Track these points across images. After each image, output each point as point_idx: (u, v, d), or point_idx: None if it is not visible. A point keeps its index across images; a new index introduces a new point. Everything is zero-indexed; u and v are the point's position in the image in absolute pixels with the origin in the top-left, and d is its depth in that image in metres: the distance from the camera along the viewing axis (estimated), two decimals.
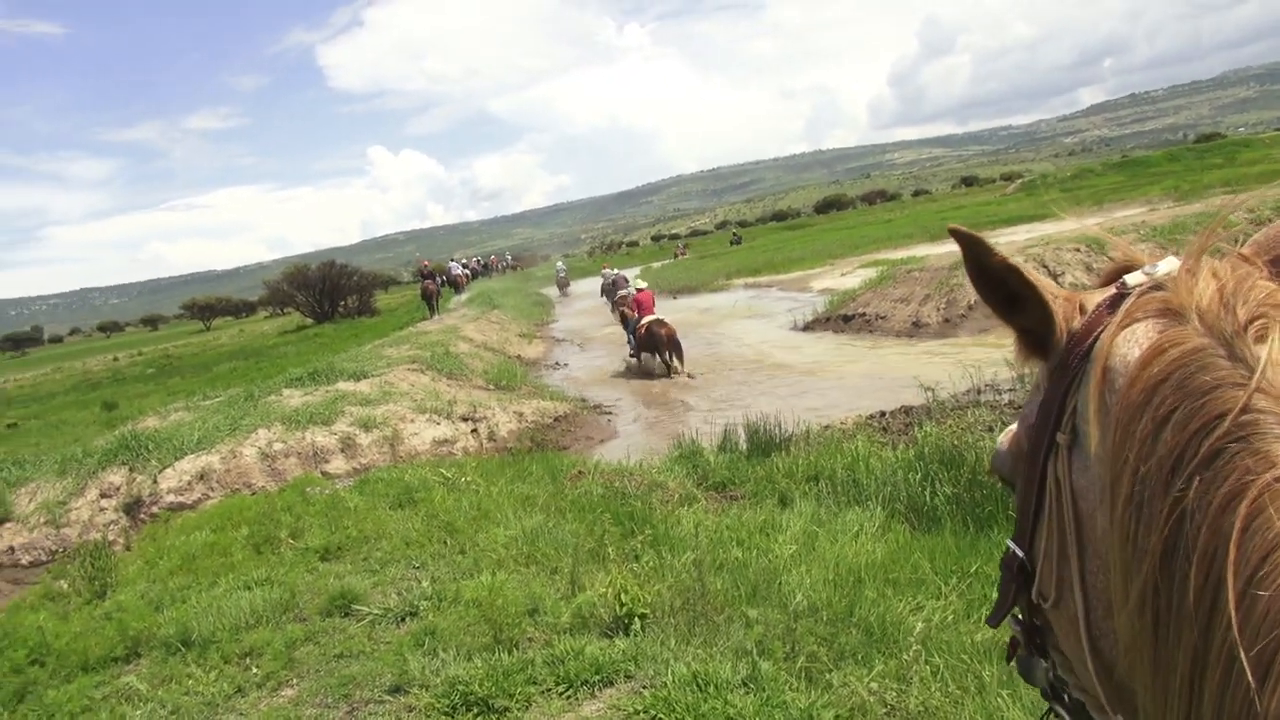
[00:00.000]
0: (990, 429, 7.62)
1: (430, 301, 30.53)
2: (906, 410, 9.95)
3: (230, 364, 27.88)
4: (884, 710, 3.74)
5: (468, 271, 48.46)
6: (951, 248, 0.94)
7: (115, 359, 45.07)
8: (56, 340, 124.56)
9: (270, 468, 10.44)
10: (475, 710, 4.06)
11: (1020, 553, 0.97)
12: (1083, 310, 0.93)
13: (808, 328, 19.16)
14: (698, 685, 3.90)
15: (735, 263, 39.57)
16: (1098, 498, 0.84)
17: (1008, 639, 1.08)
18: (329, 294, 42.25)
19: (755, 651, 4.23)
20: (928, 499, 6.48)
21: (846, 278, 24.62)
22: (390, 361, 15.78)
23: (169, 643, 5.46)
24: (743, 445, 9.13)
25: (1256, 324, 0.76)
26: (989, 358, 10.89)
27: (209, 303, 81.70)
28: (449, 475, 8.72)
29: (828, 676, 4.02)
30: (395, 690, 4.43)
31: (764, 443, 8.85)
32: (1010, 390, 9.99)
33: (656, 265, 50.58)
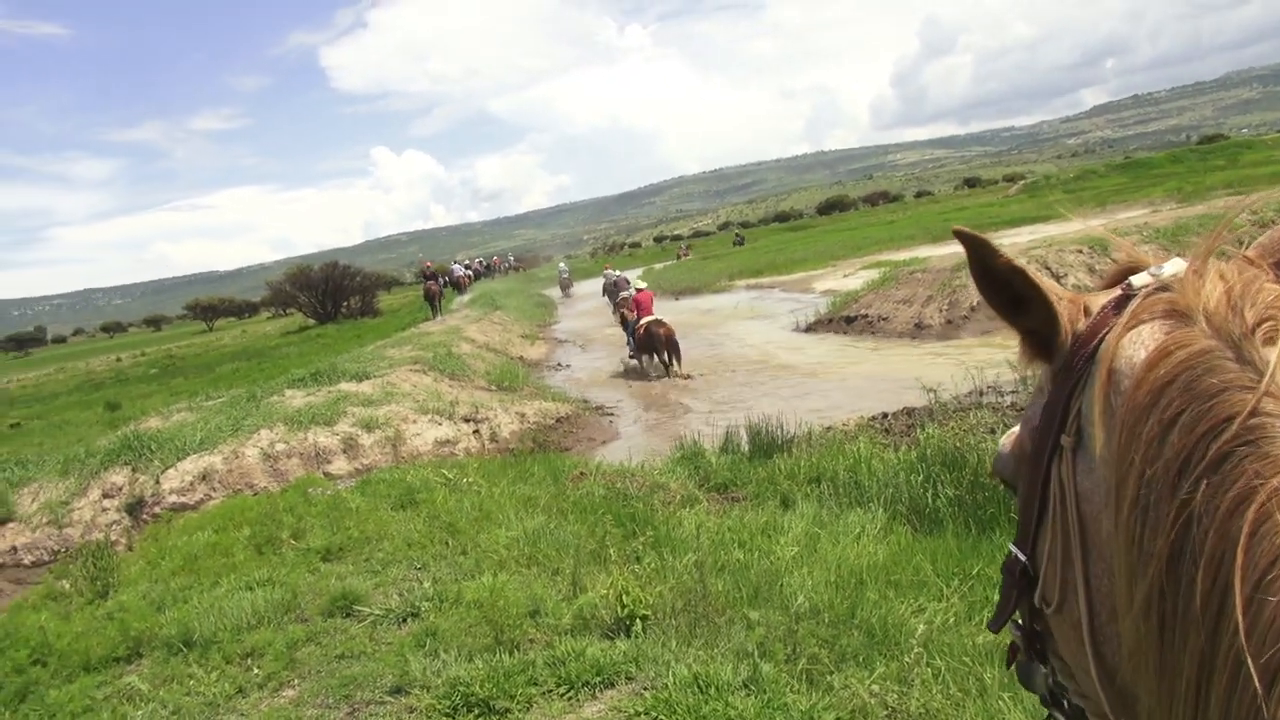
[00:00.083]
0: (992, 431, 7.61)
1: (433, 302, 30.57)
2: (909, 412, 9.94)
3: (233, 364, 27.91)
4: (885, 712, 3.73)
5: (470, 273, 48.52)
6: (954, 249, 0.93)
7: (118, 359, 45.15)
8: (60, 340, 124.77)
9: (272, 468, 10.45)
10: (476, 711, 4.06)
11: (1022, 557, 0.96)
12: (1087, 312, 0.92)
13: (810, 329, 19.15)
14: (699, 687, 3.90)
15: (737, 264, 39.56)
16: (1103, 501, 0.83)
17: (1008, 643, 1.07)
18: (332, 295, 42.29)
19: (756, 653, 4.22)
20: (930, 501, 6.47)
21: (849, 279, 24.60)
22: (392, 362, 15.79)
23: (171, 643, 5.46)
24: (744, 447, 9.12)
25: (1265, 326, 0.76)
26: (991, 359, 10.88)
27: (212, 303, 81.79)
28: (451, 476, 8.72)
29: (829, 678, 4.01)
30: (396, 691, 4.42)
31: (766, 444, 8.84)
32: (1013, 392, 9.97)
33: (659, 266, 50.58)
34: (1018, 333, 0.96)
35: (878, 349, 16.04)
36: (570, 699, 4.10)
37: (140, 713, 4.69)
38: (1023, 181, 69.40)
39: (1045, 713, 1.03)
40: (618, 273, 31.19)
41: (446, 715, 4.08)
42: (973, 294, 14.32)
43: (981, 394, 10.19)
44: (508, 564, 6.03)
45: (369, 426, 11.34)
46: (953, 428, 7.64)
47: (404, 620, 5.38)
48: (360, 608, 5.60)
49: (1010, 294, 0.93)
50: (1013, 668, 1.07)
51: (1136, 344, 0.82)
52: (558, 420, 12.66)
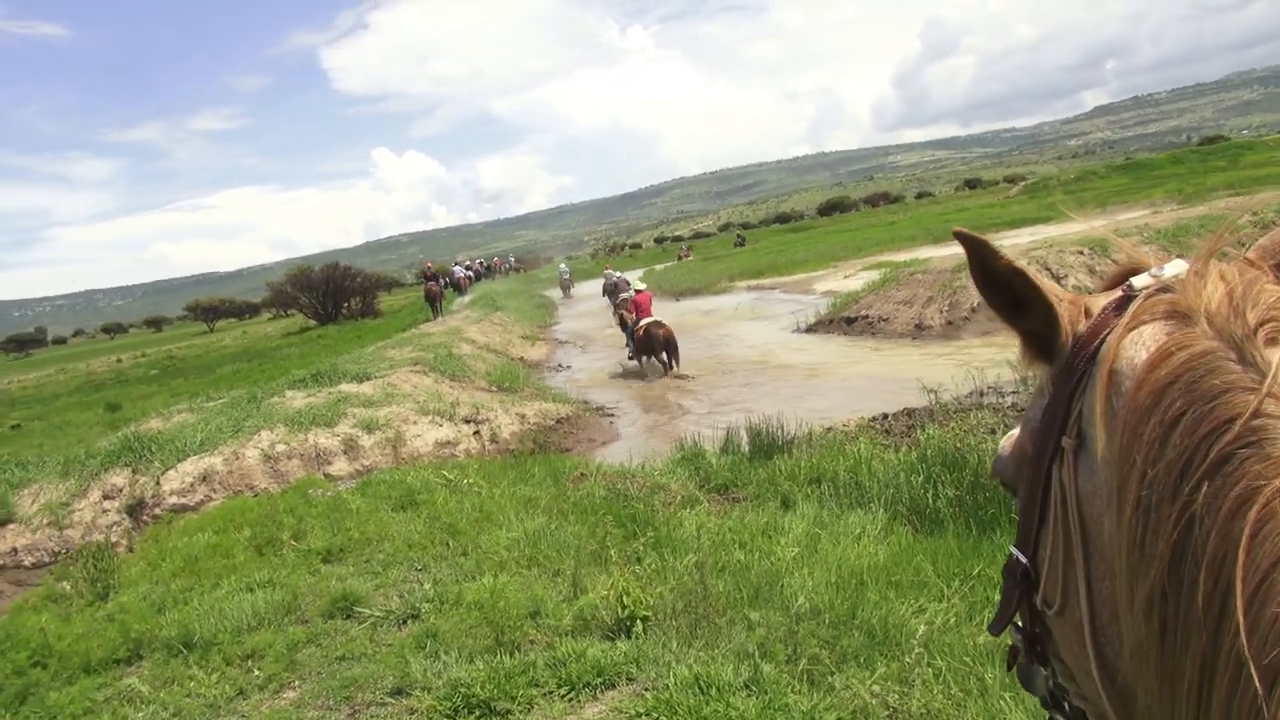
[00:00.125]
0: (993, 431, 7.61)
1: (434, 303, 30.57)
2: (909, 412, 9.94)
3: (233, 365, 27.91)
4: (886, 713, 3.73)
5: (471, 274, 48.56)
6: (954, 250, 0.93)
7: (119, 360, 45.15)
8: (60, 341, 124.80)
9: (273, 469, 10.45)
10: (477, 712, 4.06)
11: (1024, 559, 0.96)
12: (1088, 314, 0.92)
13: (811, 330, 19.15)
14: (700, 688, 3.90)
15: (738, 265, 39.55)
16: (1104, 502, 0.83)
17: (1009, 645, 1.07)
18: (332, 296, 42.28)
19: (757, 654, 4.22)
20: (930, 501, 6.47)
21: (849, 280, 24.60)
22: (393, 363, 15.79)
23: (171, 644, 5.46)
24: (745, 447, 9.12)
25: (1267, 328, 0.75)
26: (992, 360, 10.88)
27: (213, 304, 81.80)
28: (451, 477, 8.72)
29: (830, 679, 4.01)
30: (397, 692, 4.42)
31: (766, 445, 8.84)
32: (1013, 393, 9.97)
33: (659, 267, 50.59)
34: (1018, 334, 0.96)
35: (878, 350, 16.04)
36: (571, 700, 4.10)
37: (141, 715, 4.69)
38: (1023, 182, 69.41)
39: (1046, 715, 1.03)
40: (618, 273, 31.21)
41: (447, 716, 4.08)
42: (973, 295, 14.31)
43: (982, 395, 10.19)
44: (508, 565, 6.03)
45: (369, 427, 11.35)
46: (953, 428, 7.64)
47: (405, 622, 5.38)
48: (361, 609, 5.60)
49: (1011, 296, 0.93)
50: (1013, 670, 1.07)
51: (1138, 345, 0.82)
52: (558, 421, 12.66)
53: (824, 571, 5.28)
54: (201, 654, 5.29)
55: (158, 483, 10.09)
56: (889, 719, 3.71)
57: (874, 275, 21.92)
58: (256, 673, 4.98)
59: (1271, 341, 0.74)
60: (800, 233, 70.53)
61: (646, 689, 4.06)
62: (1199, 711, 0.68)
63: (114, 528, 9.55)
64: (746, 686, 3.92)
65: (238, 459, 10.46)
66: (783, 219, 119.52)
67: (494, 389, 15.37)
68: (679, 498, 7.54)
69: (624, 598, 4.80)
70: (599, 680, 4.19)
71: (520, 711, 4.03)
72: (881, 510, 6.54)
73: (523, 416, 12.45)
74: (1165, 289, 0.85)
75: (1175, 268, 0.88)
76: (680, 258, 58.89)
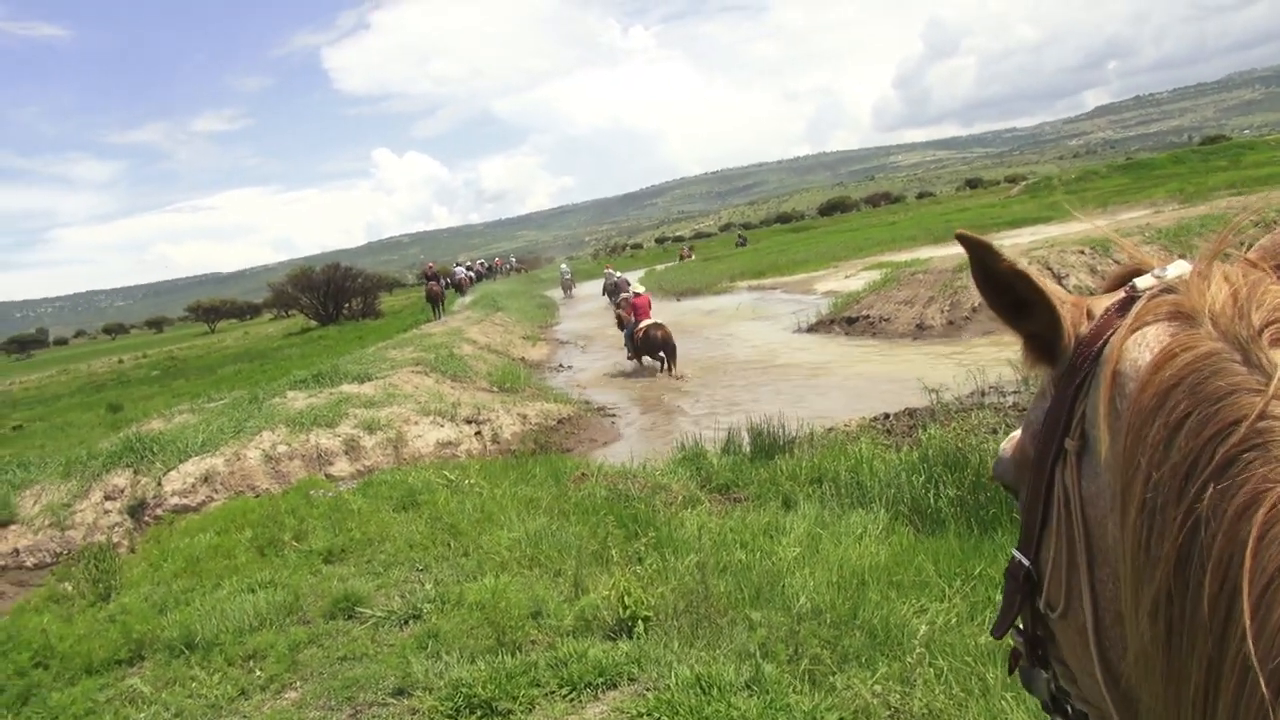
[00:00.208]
0: (994, 431, 7.60)
1: (435, 304, 30.58)
2: (910, 412, 9.94)
3: (235, 366, 27.92)
4: (888, 713, 3.72)
5: (472, 274, 48.59)
6: (955, 250, 0.93)
7: (120, 361, 45.17)
8: (62, 342, 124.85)
9: (274, 470, 10.45)
10: (478, 713, 4.05)
11: (1026, 561, 0.96)
12: (1090, 315, 0.92)
13: (812, 330, 19.15)
14: (701, 688, 3.89)
15: (739, 265, 39.55)
16: (1108, 505, 0.82)
17: (1010, 648, 1.07)
18: (334, 296, 42.30)
19: (759, 654, 4.22)
20: (931, 501, 6.47)
21: (850, 280, 24.59)
22: (394, 364, 15.80)
23: (173, 645, 5.46)
24: (746, 447, 9.12)
25: (1272, 329, 0.75)
26: (993, 360, 10.87)
27: (214, 305, 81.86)
28: (452, 477, 8.72)
29: (831, 679, 4.01)
30: (398, 693, 4.42)
31: (767, 445, 8.83)
32: (1015, 393, 9.97)
33: (660, 268, 50.59)
34: (1020, 336, 0.96)
35: (879, 350, 16.03)
36: (572, 700, 4.10)
37: (142, 715, 4.69)
38: (1024, 182, 69.38)
39: (1048, 717, 1.02)
40: (619, 274, 31.24)
41: (449, 717, 4.08)
42: (974, 295, 14.30)
43: (983, 394, 10.19)
44: (510, 565, 6.03)
45: (371, 428, 11.35)
46: (954, 428, 7.63)
47: (406, 622, 5.38)
48: (362, 609, 5.60)
49: (1012, 297, 0.93)
50: (1015, 673, 1.07)
51: (1141, 346, 0.82)
52: (559, 421, 12.66)
53: (825, 571, 5.28)
54: (203, 654, 5.29)
55: (159, 483, 10.10)
56: (890, 719, 3.71)
57: (875, 275, 21.91)
58: (258, 673, 4.98)
59: (1276, 343, 0.74)
60: (801, 233, 70.53)
61: (648, 689, 4.06)
62: (1205, 715, 0.68)
63: (115, 528, 9.55)
64: (748, 686, 3.91)
65: (239, 459, 10.46)
66: (784, 219, 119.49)
67: (495, 389, 15.37)
68: (680, 498, 7.54)
69: (625, 598, 4.80)
70: (600, 680, 4.19)
71: (522, 712, 4.03)
72: (883, 510, 6.54)
73: (524, 417, 12.45)
74: (1169, 290, 0.85)
75: (1178, 268, 0.87)
76: (682, 258, 58.90)
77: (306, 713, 4.45)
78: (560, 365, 20.46)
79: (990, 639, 4.04)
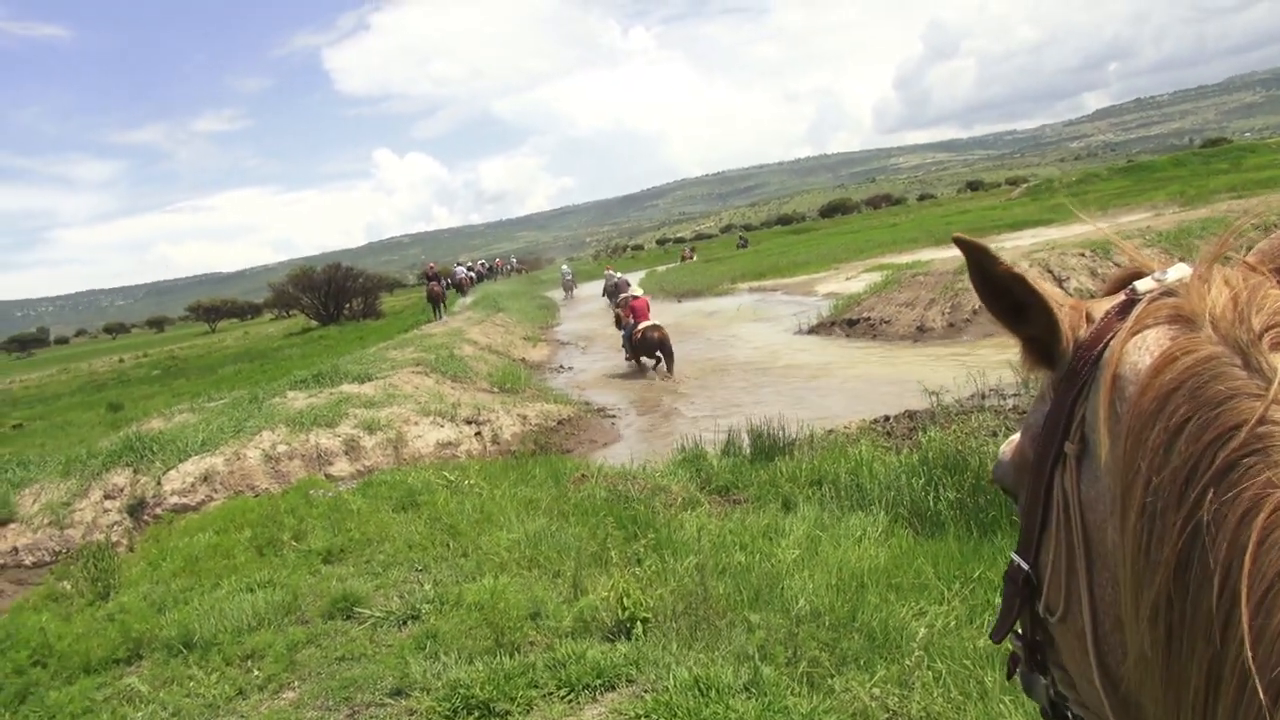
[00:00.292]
0: (995, 434, 7.60)
1: (436, 304, 30.60)
2: (910, 415, 9.93)
3: (235, 366, 27.93)
4: (886, 716, 3.72)
5: (473, 274, 48.64)
6: (956, 252, 0.92)
7: (121, 360, 45.21)
8: (62, 341, 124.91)
9: (274, 470, 10.45)
10: (476, 714, 4.05)
11: (1025, 565, 0.96)
12: (1090, 318, 0.91)
13: (812, 331, 19.15)
14: (699, 690, 3.89)
15: (740, 266, 39.58)
16: (1107, 509, 0.82)
17: (1009, 653, 1.06)
18: (334, 296, 42.33)
19: (757, 656, 4.21)
20: (931, 504, 6.46)
21: (851, 282, 24.60)
22: (395, 364, 15.80)
23: (171, 644, 5.45)
24: (746, 449, 9.11)
25: (1272, 333, 0.75)
26: (993, 362, 10.87)
27: (214, 305, 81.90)
28: (452, 478, 8.71)
29: (830, 682, 4.00)
30: (396, 693, 4.42)
31: (767, 446, 8.83)
32: (1015, 395, 9.96)
33: (661, 269, 50.61)
34: (1019, 340, 0.95)
35: (880, 352, 16.03)
36: (571, 702, 4.09)
37: (140, 714, 4.69)
38: (1025, 185, 69.42)
39: None
40: (619, 274, 31.28)
41: (447, 718, 4.07)
42: (975, 297, 14.27)
43: (984, 397, 10.18)
44: (509, 566, 6.03)
45: (371, 428, 11.35)
46: (954, 431, 7.63)
47: (405, 622, 5.37)
48: (361, 610, 5.59)
49: (1010, 301, 0.93)
50: (1014, 677, 1.06)
51: (1141, 350, 0.81)
52: (559, 422, 12.66)
53: (824, 574, 5.27)
54: (201, 654, 5.29)
55: (159, 483, 10.10)
56: None
57: (876, 277, 21.92)
58: (256, 673, 4.97)
59: (1277, 347, 0.74)
60: (802, 234, 70.57)
61: (646, 691, 4.05)
62: (1205, 718, 0.68)
63: (115, 527, 9.55)
64: (746, 689, 3.91)
65: (239, 459, 10.46)
66: (784, 220, 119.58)
67: (495, 390, 15.37)
68: (680, 499, 7.54)
69: (624, 599, 4.79)
70: (599, 682, 4.18)
71: (520, 713, 4.03)
72: (882, 512, 6.53)
73: (524, 418, 12.45)
74: (1169, 293, 0.84)
75: (1178, 272, 0.87)
76: (683, 259, 58.96)
77: (304, 713, 4.44)
78: (561, 366, 20.46)
79: (989, 643, 4.04)
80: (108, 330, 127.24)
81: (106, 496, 10.00)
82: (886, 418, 10.08)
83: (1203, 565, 0.68)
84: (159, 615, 6.05)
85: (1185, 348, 0.77)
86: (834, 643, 4.39)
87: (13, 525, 9.73)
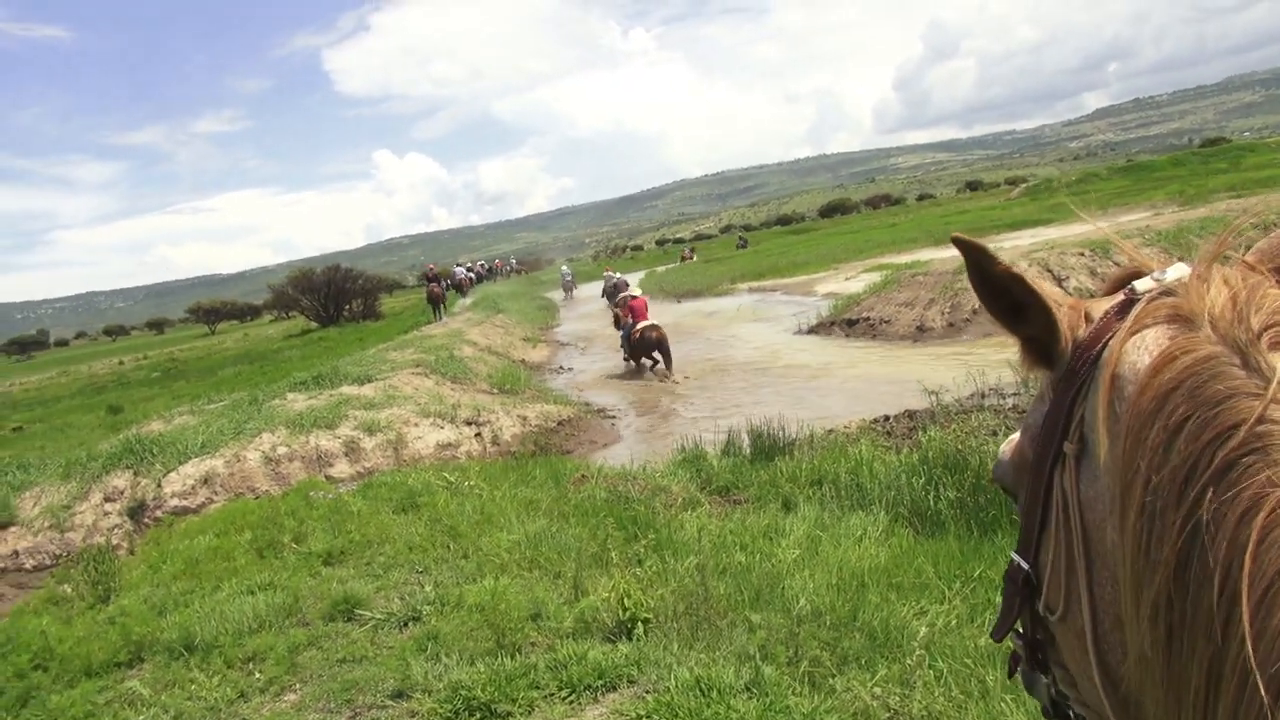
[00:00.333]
0: (995, 433, 7.60)
1: (436, 305, 30.61)
2: (910, 414, 9.94)
3: (235, 368, 27.92)
4: (887, 715, 3.72)
5: (472, 275, 48.64)
6: (955, 252, 0.92)
7: (120, 362, 45.20)
8: (62, 344, 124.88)
9: (274, 472, 10.45)
10: (478, 715, 4.05)
11: (1025, 565, 0.96)
12: (1089, 318, 0.92)
13: (812, 331, 19.16)
14: (700, 690, 3.89)
15: (740, 267, 39.60)
16: (1107, 508, 0.82)
17: (1010, 652, 1.07)
18: (334, 298, 42.32)
19: (758, 656, 4.21)
20: (931, 503, 6.46)
21: (851, 282, 24.60)
22: (395, 365, 15.79)
23: (172, 647, 5.45)
24: (746, 449, 9.11)
25: (1271, 332, 0.75)
26: (993, 362, 10.87)
27: (214, 306, 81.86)
28: (452, 479, 8.71)
29: (831, 681, 4.01)
30: (398, 695, 4.42)
31: (767, 447, 8.83)
32: (1015, 394, 9.97)
33: (661, 269, 50.61)
34: (1018, 339, 0.95)
35: (880, 351, 16.03)
36: (572, 702, 4.09)
37: (141, 717, 4.69)
38: (1024, 185, 69.43)
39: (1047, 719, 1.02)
40: (618, 275, 31.30)
41: (448, 719, 4.07)
42: (974, 297, 14.30)
43: (983, 396, 10.19)
44: (509, 567, 6.03)
45: (371, 430, 11.34)
46: (954, 430, 7.63)
47: (405, 624, 5.37)
48: (362, 611, 5.59)
49: (1008, 300, 0.93)
50: (1015, 676, 1.06)
51: (1140, 349, 0.82)
52: (559, 423, 12.66)
53: (825, 573, 5.28)
54: (202, 657, 5.29)
55: (159, 485, 10.09)
56: None
57: (875, 277, 21.92)
58: (257, 675, 4.97)
59: (1275, 346, 0.74)
60: (802, 235, 70.58)
61: (647, 691, 4.05)
62: (1206, 717, 0.68)
63: (115, 530, 9.55)
64: (747, 689, 3.91)
65: (239, 461, 10.46)
66: (784, 221, 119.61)
67: (495, 391, 15.37)
68: (680, 500, 7.54)
69: (625, 600, 4.80)
70: (600, 683, 4.18)
71: (521, 714, 4.03)
72: (883, 512, 6.53)
73: (524, 418, 12.45)
74: (1168, 293, 0.84)
75: (1177, 271, 0.87)
76: (683, 259, 58.97)
77: (305, 715, 4.44)
78: (560, 367, 20.47)
79: (990, 642, 4.04)
80: (107, 332, 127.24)
81: (107, 499, 10.00)
82: (886, 417, 10.08)
83: (1202, 564, 0.69)
84: (160, 618, 6.04)
85: (1184, 347, 0.77)
86: (835, 642, 4.39)
87: (13, 528, 9.73)
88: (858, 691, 3.84)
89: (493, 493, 8.12)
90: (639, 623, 4.72)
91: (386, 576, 6.24)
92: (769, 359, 16.79)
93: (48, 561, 9.20)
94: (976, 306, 15.42)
